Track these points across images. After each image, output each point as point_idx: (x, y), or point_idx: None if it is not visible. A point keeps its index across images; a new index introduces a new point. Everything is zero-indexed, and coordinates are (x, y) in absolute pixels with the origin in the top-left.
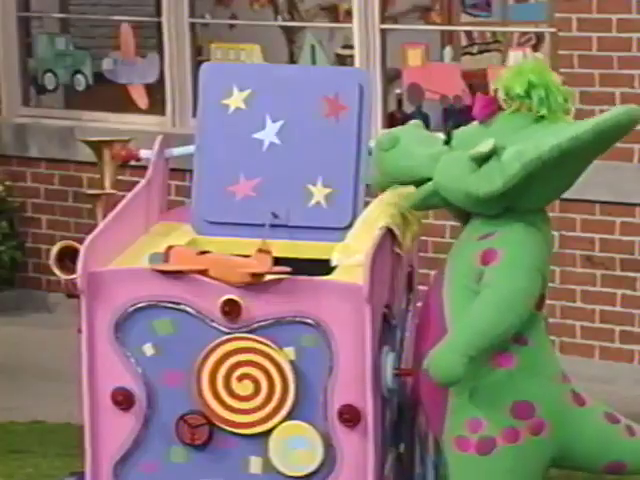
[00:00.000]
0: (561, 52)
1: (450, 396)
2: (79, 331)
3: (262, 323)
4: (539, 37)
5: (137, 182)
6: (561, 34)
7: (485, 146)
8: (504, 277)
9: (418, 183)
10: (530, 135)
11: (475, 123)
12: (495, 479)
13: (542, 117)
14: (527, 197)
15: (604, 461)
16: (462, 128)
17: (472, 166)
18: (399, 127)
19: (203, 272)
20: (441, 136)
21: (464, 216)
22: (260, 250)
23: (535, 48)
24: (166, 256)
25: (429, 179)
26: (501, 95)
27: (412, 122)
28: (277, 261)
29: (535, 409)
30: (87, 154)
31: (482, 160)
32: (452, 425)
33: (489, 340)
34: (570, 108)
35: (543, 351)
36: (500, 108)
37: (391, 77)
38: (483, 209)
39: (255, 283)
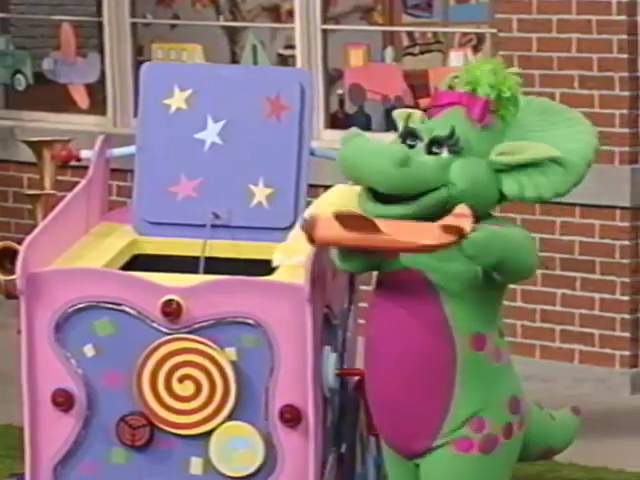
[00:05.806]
0: (501, 53)
1: (445, 399)
2: (19, 332)
3: (203, 324)
4: (480, 38)
5: (78, 182)
6: (501, 35)
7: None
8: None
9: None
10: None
11: (461, 124)
12: (493, 476)
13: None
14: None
15: (540, 448)
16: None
17: (496, 172)
18: (386, 142)
19: (379, 231)
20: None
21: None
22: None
23: (476, 49)
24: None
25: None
26: (490, 95)
27: (354, 130)
28: (218, 262)
29: (520, 403)
30: (27, 154)
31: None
32: (449, 427)
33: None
34: None
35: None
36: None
37: (333, 77)
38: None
39: (446, 247)
